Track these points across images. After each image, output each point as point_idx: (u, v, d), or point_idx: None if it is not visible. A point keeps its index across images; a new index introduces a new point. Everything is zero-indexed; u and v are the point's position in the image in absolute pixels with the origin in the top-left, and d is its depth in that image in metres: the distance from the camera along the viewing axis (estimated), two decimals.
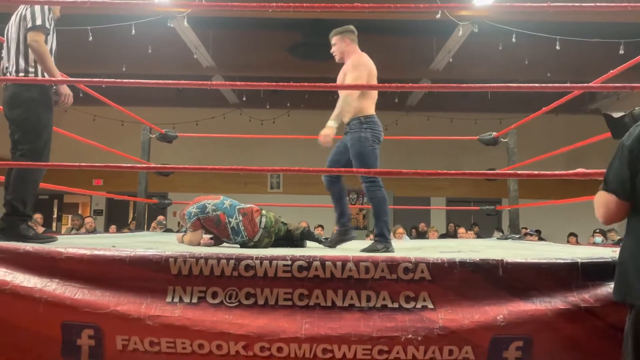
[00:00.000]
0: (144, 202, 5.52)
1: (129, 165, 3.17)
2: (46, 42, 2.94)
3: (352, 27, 3.50)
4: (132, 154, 5.41)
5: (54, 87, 3.01)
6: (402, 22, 8.86)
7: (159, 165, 3.67)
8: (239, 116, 12.36)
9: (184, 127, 11.12)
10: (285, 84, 2.79)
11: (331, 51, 3.54)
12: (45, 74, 2.93)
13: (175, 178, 9.04)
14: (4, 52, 3.06)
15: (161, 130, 5.55)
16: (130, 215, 12.86)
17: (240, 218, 3.24)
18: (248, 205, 3.35)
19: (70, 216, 12.31)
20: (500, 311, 2.07)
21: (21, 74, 2.94)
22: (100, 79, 2.96)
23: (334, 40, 3.53)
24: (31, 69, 2.96)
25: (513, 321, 2.05)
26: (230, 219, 3.22)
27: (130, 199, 8.99)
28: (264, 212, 3.31)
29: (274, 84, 2.85)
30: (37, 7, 2.91)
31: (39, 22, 2.89)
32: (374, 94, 3.42)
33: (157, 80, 2.88)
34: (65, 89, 2.99)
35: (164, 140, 5.62)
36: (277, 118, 11.89)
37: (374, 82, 3.40)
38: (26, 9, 2.94)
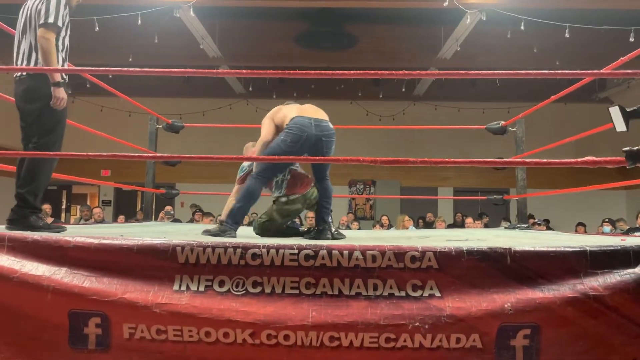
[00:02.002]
0: (151, 192, 5.54)
1: (136, 154, 3.17)
2: (57, 40, 2.96)
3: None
4: (140, 144, 5.42)
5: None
6: (409, 10, 8.80)
7: (166, 155, 3.67)
8: (246, 106, 12.35)
9: (190, 117, 11.16)
10: (291, 71, 2.78)
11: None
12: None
13: (182, 168, 9.06)
14: (18, 41, 3.06)
15: (168, 121, 5.55)
16: (138, 206, 12.91)
17: (288, 177, 3.50)
18: (302, 171, 3.59)
19: (78, 207, 12.38)
20: (508, 299, 2.06)
21: None
22: (107, 68, 2.95)
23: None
24: (46, 64, 2.95)
25: (521, 309, 2.04)
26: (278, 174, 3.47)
27: (138, 189, 9.02)
28: (312, 185, 3.54)
29: (279, 71, 2.84)
30: (53, 3, 2.92)
31: (51, 19, 2.90)
32: (291, 108, 3.46)
33: (164, 69, 2.87)
34: (60, 92, 2.94)
35: (171, 131, 5.62)
36: None
37: (278, 113, 3.45)
38: (42, 3, 2.94)
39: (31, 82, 2.93)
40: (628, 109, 2.10)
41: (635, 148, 2.01)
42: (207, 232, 3.13)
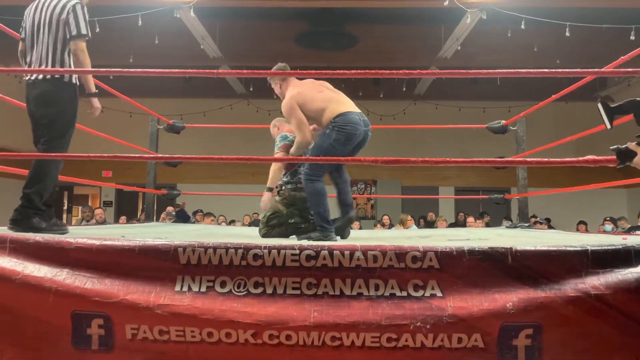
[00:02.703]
0: (152, 193, 5.54)
1: (137, 155, 3.18)
2: None
3: (280, 64, 3.39)
4: (141, 145, 5.42)
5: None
6: (409, 9, 8.79)
7: (167, 155, 3.67)
8: (247, 107, 12.36)
9: (191, 118, 11.16)
10: (292, 71, 2.78)
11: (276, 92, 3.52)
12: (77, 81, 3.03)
13: (183, 169, 9.07)
14: (30, 44, 3.07)
15: (169, 121, 5.56)
16: (140, 206, 12.94)
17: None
18: None
19: (80, 208, 12.40)
20: (509, 299, 2.06)
21: (56, 76, 2.97)
22: (108, 69, 2.96)
23: (273, 85, 3.47)
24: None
25: (523, 309, 2.03)
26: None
27: (140, 190, 9.04)
28: None
29: (280, 71, 2.84)
30: (80, 13, 2.97)
31: (83, 30, 2.95)
32: (329, 97, 3.32)
33: (164, 69, 2.88)
34: (96, 102, 3.09)
35: (172, 131, 5.62)
36: None
37: (314, 95, 3.32)
38: (68, 13, 2.96)
39: (47, 87, 2.96)
40: (611, 105, 2.06)
41: (623, 146, 1.96)
42: (306, 238, 3.08)
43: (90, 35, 3.01)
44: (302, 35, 9.58)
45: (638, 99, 1.98)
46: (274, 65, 3.35)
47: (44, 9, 3.03)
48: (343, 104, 3.31)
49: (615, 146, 1.96)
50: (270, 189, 3.51)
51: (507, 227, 6.05)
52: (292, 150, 3.39)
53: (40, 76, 2.97)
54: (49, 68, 2.99)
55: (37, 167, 2.91)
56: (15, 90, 3.01)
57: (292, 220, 3.53)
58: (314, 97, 3.28)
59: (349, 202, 3.49)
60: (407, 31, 9.75)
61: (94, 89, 3.03)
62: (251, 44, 9.91)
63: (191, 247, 2.18)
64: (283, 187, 3.56)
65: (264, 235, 3.47)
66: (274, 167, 3.55)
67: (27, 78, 3.05)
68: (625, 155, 1.93)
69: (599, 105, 2.03)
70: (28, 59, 3.08)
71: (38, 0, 3.10)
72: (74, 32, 2.94)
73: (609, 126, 2.04)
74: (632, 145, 1.92)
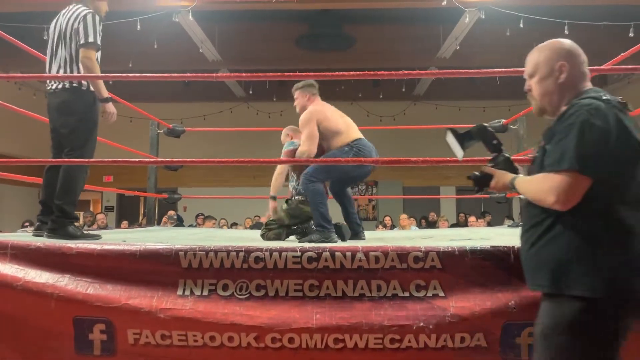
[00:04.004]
0: (154, 197, 5.54)
1: (138, 160, 3.19)
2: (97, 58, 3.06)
3: (312, 81, 3.53)
4: (141, 149, 5.42)
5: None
6: (407, 10, 8.80)
7: (167, 160, 3.68)
8: (247, 109, 12.37)
9: (191, 121, 11.17)
10: (291, 74, 2.78)
11: (294, 104, 3.60)
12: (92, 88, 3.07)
13: (184, 173, 9.08)
14: (51, 55, 3.13)
15: (169, 126, 5.55)
16: (141, 211, 12.94)
17: None
18: None
19: (82, 213, 12.41)
20: (512, 297, 2.06)
21: (74, 85, 3.03)
22: (107, 74, 2.97)
23: (295, 95, 3.57)
24: (84, 81, 3.04)
25: (525, 307, 2.03)
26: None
27: (141, 194, 9.04)
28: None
29: (279, 74, 2.84)
30: (90, 22, 3.00)
31: (91, 39, 2.99)
32: (347, 123, 3.49)
33: (163, 74, 2.88)
34: (110, 108, 3.13)
35: (172, 135, 5.62)
36: (284, 111, 11.85)
37: (335, 118, 3.45)
38: (79, 22, 3.02)
39: (67, 96, 3.02)
40: (460, 132, 1.98)
41: (478, 173, 1.90)
42: (307, 240, 3.13)
43: (100, 44, 3.05)
44: (300, 37, 9.59)
45: (485, 124, 1.95)
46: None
47: (63, 21, 3.09)
48: (358, 132, 3.50)
49: (472, 173, 1.90)
50: (274, 197, 3.56)
51: (508, 226, 6.05)
52: (294, 170, 3.54)
53: (60, 85, 3.03)
54: (74, 82, 3.04)
55: (66, 178, 2.98)
56: (15, 97, 3.02)
57: (294, 229, 3.57)
58: (336, 119, 3.45)
59: (358, 222, 3.65)
60: (405, 31, 9.75)
61: (105, 95, 3.07)
62: (250, 46, 9.92)
63: (192, 251, 2.18)
64: (293, 198, 3.55)
65: (261, 235, 3.57)
66: (276, 174, 3.61)
67: (48, 88, 3.11)
68: (482, 180, 1.89)
69: (448, 135, 1.98)
70: (49, 70, 3.14)
71: (58, 15, 3.17)
72: (82, 41, 2.99)
73: (460, 156, 1.98)
74: (487, 168, 1.88)
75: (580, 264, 1.54)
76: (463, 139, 1.98)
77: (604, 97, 1.61)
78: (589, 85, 1.74)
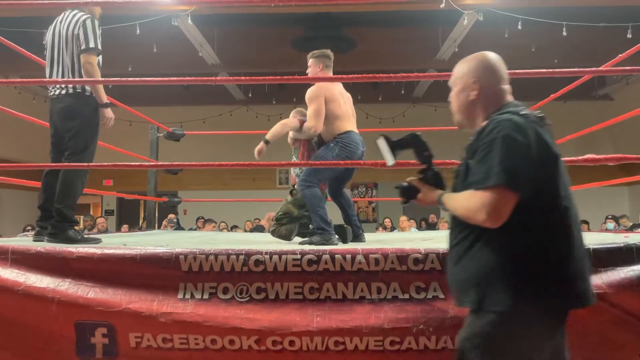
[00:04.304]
0: (154, 200, 5.54)
1: (138, 164, 3.20)
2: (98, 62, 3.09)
3: (329, 52, 3.57)
4: (141, 153, 5.43)
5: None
6: (406, 13, 8.81)
7: (167, 163, 3.68)
8: (246, 113, 12.38)
9: (191, 125, 11.18)
10: (290, 77, 2.79)
11: (307, 71, 3.62)
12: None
13: (184, 176, 9.06)
14: (51, 62, 3.15)
15: (168, 129, 5.56)
16: (141, 214, 12.94)
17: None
18: None
19: (82, 217, 12.42)
20: None
21: (78, 90, 3.06)
22: (106, 79, 2.99)
23: (309, 62, 3.60)
24: (87, 87, 3.07)
25: None
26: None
27: (141, 198, 9.05)
28: None
29: (278, 77, 2.85)
30: (89, 27, 3.03)
31: (92, 44, 3.02)
32: (345, 112, 3.50)
33: (162, 78, 2.90)
34: (109, 113, 3.16)
35: (172, 139, 5.63)
36: (283, 114, 11.85)
37: (339, 101, 3.46)
38: (78, 28, 3.04)
39: (70, 101, 3.05)
40: (393, 139, 1.93)
41: (405, 184, 1.86)
42: (308, 243, 3.14)
43: (100, 48, 3.07)
44: (300, 39, 9.59)
45: (418, 133, 1.92)
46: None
47: (62, 27, 3.11)
48: (351, 123, 3.50)
49: (399, 183, 1.87)
50: (266, 141, 3.46)
51: None
52: (298, 133, 3.48)
53: (64, 91, 3.06)
54: (77, 88, 3.06)
55: (65, 182, 2.99)
56: (14, 101, 3.04)
57: (303, 221, 3.57)
58: (339, 103, 3.45)
59: (358, 224, 3.63)
60: (404, 34, 9.76)
61: (105, 100, 3.11)
62: (249, 50, 9.93)
63: (192, 254, 2.19)
64: (295, 186, 3.56)
65: (272, 232, 3.52)
66: (281, 122, 3.52)
67: (51, 93, 3.13)
68: (409, 192, 1.85)
69: (380, 141, 1.94)
70: (50, 76, 3.16)
71: (55, 21, 3.18)
72: (83, 46, 3.01)
73: (390, 162, 1.95)
74: (414, 181, 1.85)
75: (499, 279, 1.54)
76: (395, 146, 1.94)
77: (521, 112, 1.61)
78: (509, 99, 1.73)
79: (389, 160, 1.95)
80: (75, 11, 3.12)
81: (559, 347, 1.59)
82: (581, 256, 1.59)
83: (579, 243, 1.59)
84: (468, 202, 1.59)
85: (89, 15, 3.09)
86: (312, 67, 3.56)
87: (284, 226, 3.50)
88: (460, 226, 1.66)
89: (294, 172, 3.63)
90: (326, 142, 3.48)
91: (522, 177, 1.51)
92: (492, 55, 1.76)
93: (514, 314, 1.51)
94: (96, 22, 3.09)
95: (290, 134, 3.58)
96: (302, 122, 3.50)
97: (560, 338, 1.59)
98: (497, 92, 1.72)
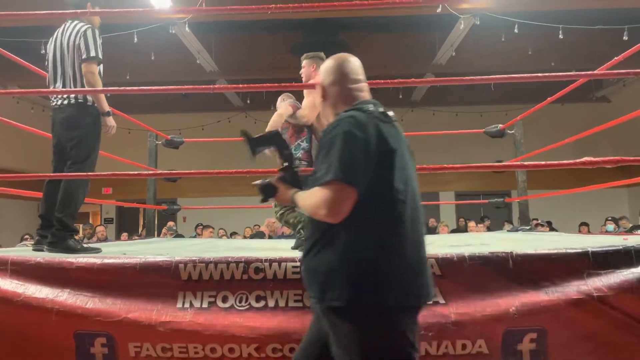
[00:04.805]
0: (153, 208, 5.54)
1: (136, 172, 3.20)
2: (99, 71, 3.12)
3: (321, 53, 3.56)
4: (140, 161, 5.42)
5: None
6: (402, 18, 8.83)
7: (166, 172, 3.68)
8: (245, 119, 12.37)
9: (190, 132, 11.18)
10: (287, 84, 2.79)
11: (300, 72, 3.62)
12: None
13: (183, 183, 9.09)
14: (53, 72, 3.17)
15: (167, 137, 5.56)
16: (141, 222, 12.93)
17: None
18: None
19: (81, 225, 12.40)
20: (512, 303, 2.06)
21: (80, 100, 3.08)
22: (105, 88, 3.00)
23: (303, 63, 3.61)
24: (89, 96, 3.09)
25: (526, 313, 2.04)
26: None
27: (140, 206, 9.05)
28: None
29: (275, 85, 2.86)
30: (90, 37, 3.06)
31: (92, 53, 3.05)
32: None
33: (160, 87, 2.91)
34: (111, 121, 3.19)
35: (171, 146, 5.62)
36: None
37: None
38: (80, 38, 3.06)
39: (72, 111, 3.07)
40: (253, 137, 1.94)
41: (266, 181, 1.86)
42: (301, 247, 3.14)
43: (101, 57, 3.10)
44: (297, 45, 9.60)
45: (276, 131, 1.94)
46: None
47: (63, 38, 3.13)
48: None
49: (259, 181, 1.87)
50: None
51: (508, 230, 6.04)
52: (290, 118, 3.43)
53: (66, 101, 3.07)
54: (79, 98, 3.07)
55: (67, 191, 3.00)
56: (13, 111, 3.05)
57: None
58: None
59: None
60: (401, 39, 9.79)
61: (106, 109, 3.13)
62: (247, 56, 9.95)
63: (192, 263, 2.19)
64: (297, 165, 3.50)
65: (279, 215, 3.41)
66: (276, 114, 3.48)
67: (53, 104, 3.14)
68: (268, 190, 1.85)
69: (243, 136, 1.93)
70: (52, 87, 3.17)
71: (56, 32, 3.20)
72: (84, 55, 3.04)
73: (252, 158, 1.95)
74: (274, 180, 1.86)
75: (339, 275, 1.55)
76: (255, 144, 1.94)
77: (365, 108, 1.66)
78: (363, 97, 1.78)
79: (250, 155, 1.95)
80: (76, 22, 3.14)
81: (405, 343, 1.57)
82: (415, 254, 1.61)
83: (414, 240, 1.61)
84: (311, 199, 1.63)
85: (89, 26, 3.12)
86: (307, 67, 3.57)
87: (292, 214, 3.36)
88: (312, 223, 1.69)
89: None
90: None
91: (359, 172, 1.55)
92: (343, 57, 1.84)
93: (353, 309, 1.54)
94: (97, 32, 3.12)
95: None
96: (294, 108, 3.49)
97: (406, 333, 1.57)
98: (346, 91, 1.78)
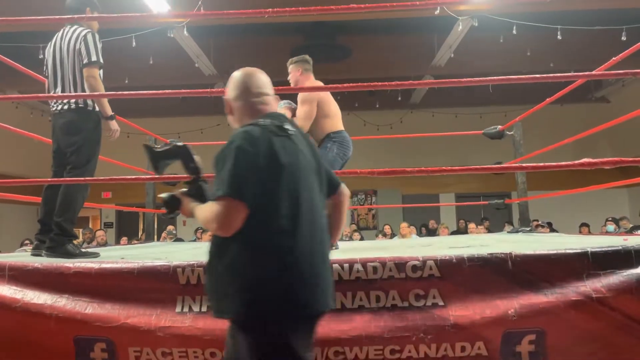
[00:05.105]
0: (152, 212, 5.54)
1: (135, 177, 3.20)
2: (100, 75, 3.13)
3: (307, 57, 3.69)
4: (139, 165, 5.42)
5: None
6: (401, 20, 8.83)
7: (165, 176, 3.67)
8: None
9: (189, 135, 11.16)
10: (284, 87, 2.79)
11: (288, 78, 3.70)
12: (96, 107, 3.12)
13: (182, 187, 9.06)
14: (53, 77, 3.17)
15: (166, 141, 5.55)
16: (141, 226, 12.92)
17: None
18: None
19: (81, 230, 12.40)
20: (511, 305, 2.06)
21: (80, 105, 3.08)
22: (104, 93, 3.00)
23: (289, 69, 3.70)
24: (89, 101, 3.09)
25: (525, 314, 2.03)
26: None
27: (139, 210, 9.04)
28: None
29: (273, 88, 2.85)
30: (90, 41, 3.07)
31: (94, 57, 3.06)
32: (335, 111, 3.59)
33: (159, 90, 2.91)
34: (114, 125, 3.20)
35: None
36: None
37: (331, 105, 3.55)
38: (80, 43, 3.07)
39: (72, 116, 3.07)
40: (156, 149, 1.90)
41: (171, 194, 1.83)
42: None
43: (102, 61, 3.10)
44: (296, 49, 9.59)
45: (182, 144, 1.91)
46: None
47: (62, 43, 3.13)
48: (341, 122, 3.60)
49: (164, 194, 1.84)
50: None
51: (508, 232, 6.04)
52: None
53: (66, 106, 3.07)
54: (80, 103, 3.07)
55: (66, 196, 3.00)
56: (12, 116, 3.05)
57: None
58: (330, 104, 3.54)
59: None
60: (400, 41, 9.79)
61: (109, 113, 3.14)
62: (245, 59, 9.88)
63: (190, 267, 2.18)
64: None
65: None
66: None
67: (53, 109, 3.14)
68: (172, 204, 1.83)
69: (145, 150, 1.89)
70: (52, 92, 3.17)
71: (55, 37, 3.21)
72: (85, 60, 3.05)
73: (157, 172, 1.92)
74: (178, 193, 1.85)
75: (230, 287, 1.57)
76: (158, 156, 1.91)
77: (261, 122, 1.67)
78: (266, 110, 1.78)
79: (155, 170, 1.92)
80: (75, 26, 3.14)
81: (288, 355, 1.57)
82: (309, 265, 1.61)
83: (308, 251, 1.61)
84: (205, 213, 1.65)
85: (89, 30, 3.13)
86: (293, 72, 3.66)
87: None
88: (211, 236, 1.70)
89: None
90: (317, 139, 3.52)
91: (249, 187, 1.56)
92: (247, 71, 1.85)
93: (240, 322, 1.57)
94: (97, 36, 3.12)
95: None
96: (292, 111, 3.53)
97: (291, 344, 1.58)
98: (250, 105, 1.78)
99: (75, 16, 3.16)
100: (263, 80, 1.83)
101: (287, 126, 1.71)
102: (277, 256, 1.58)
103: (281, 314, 1.56)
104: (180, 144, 1.91)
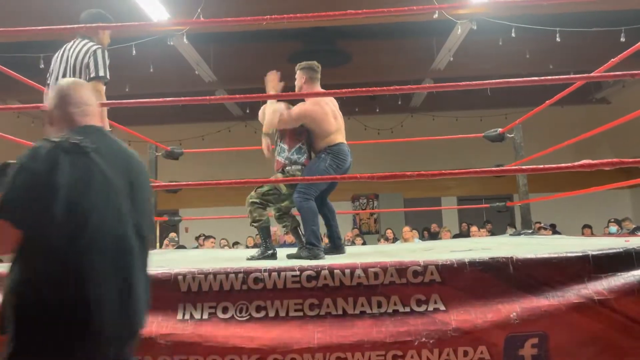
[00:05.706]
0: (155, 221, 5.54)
1: None
2: None
3: (315, 64, 3.64)
4: None
5: None
6: (400, 24, 8.86)
7: (166, 184, 3.69)
8: (245, 128, 12.40)
9: (190, 142, 11.20)
10: (284, 93, 2.80)
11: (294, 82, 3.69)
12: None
13: (184, 194, 9.07)
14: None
15: (167, 148, 5.58)
16: None
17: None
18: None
19: None
20: (513, 309, 2.05)
21: None
22: (104, 102, 3.01)
23: (297, 74, 3.67)
24: None
25: (527, 318, 2.03)
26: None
27: None
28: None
29: (273, 94, 2.86)
30: (100, 57, 3.08)
31: (101, 72, 3.07)
32: (335, 127, 3.54)
33: (160, 98, 2.92)
34: None
35: (171, 158, 5.64)
36: None
37: (329, 119, 3.51)
38: (89, 57, 3.08)
39: None
40: None
41: None
42: (296, 257, 3.19)
43: (108, 77, 3.11)
44: (295, 54, 9.62)
45: (7, 162, 1.73)
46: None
47: (71, 55, 3.14)
48: (341, 135, 3.57)
49: None
50: (267, 134, 3.53)
51: (510, 234, 6.03)
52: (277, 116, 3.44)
53: None
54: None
55: None
56: (13, 125, 3.06)
57: (285, 204, 3.52)
58: (329, 121, 3.49)
59: (340, 235, 3.72)
60: (399, 45, 9.81)
61: (107, 128, 3.12)
62: (246, 66, 9.98)
63: (191, 274, 2.18)
64: (288, 167, 3.47)
65: (251, 203, 3.47)
66: (271, 110, 3.44)
67: None
68: None
69: None
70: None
71: (64, 48, 3.22)
72: (93, 74, 3.06)
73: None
74: None
75: (8, 315, 1.47)
76: None
77: (53, 138, 1.57)
78: (84, 122, 1.69)
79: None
80: (86, 40, 3.17)
81: None
82: (104, 289, 1.50)
83: (101, 275, 1.51)
84: None
85: (99, 46, 3.15)
86: (298, 78, 3.63)
87: (258, 210, 3.44)
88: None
89: (283, 157, 3.51)
90: (316, 152, 3.52)
91: (23, 210, 1.47)
92: (64, 82, 1.78)
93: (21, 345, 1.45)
94: (106, 53, 3.15)
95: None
96: (286, 106, 3.52)
97: None
98: (68, 116, 1.69)
99: (75, 26, 3.17)
100: (85, 91, 1.76)
101: (86, 143, 1.58)
102: (60, 282, 1.46)
103: (59, 347, 1.46)
104: (7, 163, 1.74)
